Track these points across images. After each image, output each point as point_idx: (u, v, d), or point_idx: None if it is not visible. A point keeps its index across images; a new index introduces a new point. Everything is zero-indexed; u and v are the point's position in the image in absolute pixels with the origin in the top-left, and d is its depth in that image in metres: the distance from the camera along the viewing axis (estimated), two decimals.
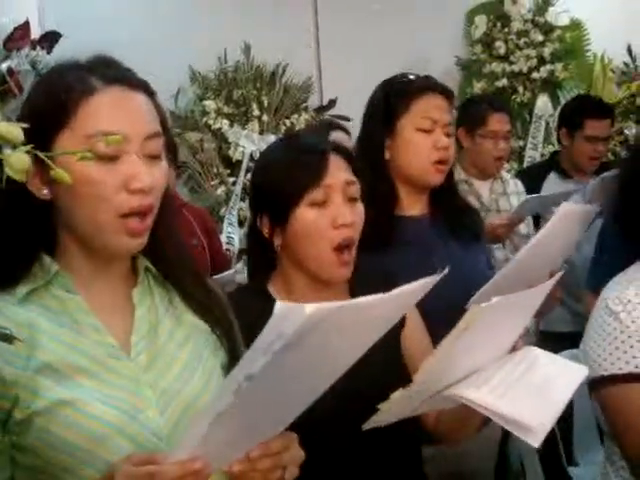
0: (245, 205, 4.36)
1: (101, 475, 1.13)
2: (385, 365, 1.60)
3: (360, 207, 1.72)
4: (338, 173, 1.68)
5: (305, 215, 1.66)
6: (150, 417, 1.22)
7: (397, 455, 1.70)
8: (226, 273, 3.03)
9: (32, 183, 1.19)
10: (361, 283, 1.73)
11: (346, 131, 3.52)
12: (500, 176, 3.71)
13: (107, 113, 1.20)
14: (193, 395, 1.28)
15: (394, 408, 1.32)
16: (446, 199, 2.26)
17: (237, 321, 1.50)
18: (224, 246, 3.84)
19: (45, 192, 1.21)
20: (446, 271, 1.10)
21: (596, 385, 1.75)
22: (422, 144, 2.16)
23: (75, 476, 1.15)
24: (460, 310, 1.28)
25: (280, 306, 0.94)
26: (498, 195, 3.62)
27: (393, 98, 2.19)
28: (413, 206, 2.23)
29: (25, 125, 0.93)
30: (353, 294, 1.76)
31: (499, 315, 1.32)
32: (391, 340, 1.65)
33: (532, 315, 1.48)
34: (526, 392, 1.33)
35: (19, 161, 0.90)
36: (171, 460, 1.05)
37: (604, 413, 1.78)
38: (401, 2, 5.00)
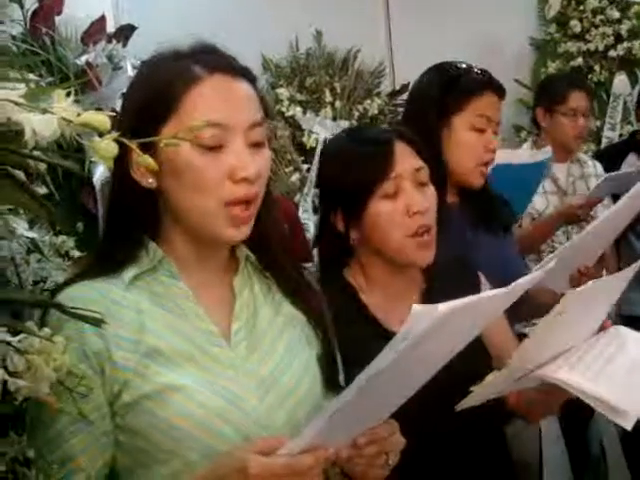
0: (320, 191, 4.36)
1: (211, 461, 1.15)
2: (472, 348, 1.61)
3: (431, 190, 1.72)
4: (405, 161, 1.68)
5: (379, 208, 1.67)
6: (251, 405, 1.23)
7: (484, 438, 1.71)
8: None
9: (137, 171, 1.21)
10: (435, 268, 1.75)
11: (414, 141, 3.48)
12: (578, 158, 3.65)
13: (211, 102, 1.20)
14: (291, 385, 1.29)
15: (486, 390, 1.33)
16: (477, 190, 2.21)
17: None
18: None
19: (150, 181, 1.22)
20: (551, 265, 1.12)
21: None
22: (475, 145, 2.13)
23: (178, 459, 1.18)
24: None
25: (415, 309, 0.97)
26: (575, 178, 3.56)
27: (451, 91, 2.14)
28: (448, 194, 2.17)
29: (111, 114, 0.95)
30: (428, 278, 1.78)
31: (589, 299, 1.34)
32: None
33: (616, 298, 1.48)
34: (618, 374, 1.33)
35: (107, 148, 0.92)
36: (293, 447, 1.09)
37: None
38: None
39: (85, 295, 1.20)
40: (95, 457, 1.19)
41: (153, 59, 1.29)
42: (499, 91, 2.18)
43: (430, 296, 1.73)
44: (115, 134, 0.93)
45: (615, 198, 3.59)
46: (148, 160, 0.98)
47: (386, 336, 1.11)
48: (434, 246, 1.70)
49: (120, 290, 1.23)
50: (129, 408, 1.18)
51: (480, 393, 1.34)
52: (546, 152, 2.83)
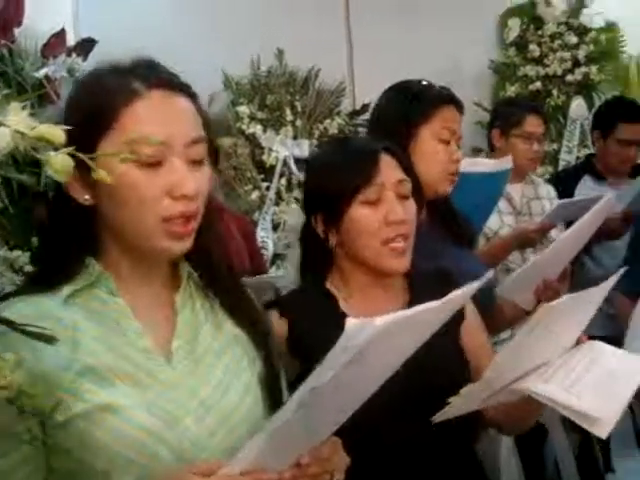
0: (279, 209, 4.37)
1: None
2: (448, 357, 1.67)
3: (412, 204, 1.76)
4: (390, 172, 1.73)
5: (358, 213, 1.71)
6: (188, 426, 1.21)
7: (454, 446, 1.71)
8: (265, 276, 3.04)
9: (73, 188, 1.20)
10: (418, 280, 1.79)
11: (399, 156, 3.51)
12: (532, 180, 3.71)
13: (149, 118, 1.19)
14: (231, 406, 1.27)
15: (463, 402, 1.34)
16: (442, 205, 2.28)
17: (302, 321, 1.53)
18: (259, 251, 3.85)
19: (87, 197, 1.21)
20: (490, 274, 1.13)
21: None
22: (442, 155, 2.18)
23: None
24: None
25: (350, 323, 0.96)
26: (530, 199, 3.61)
27: (417, 104, 2.19)
28: None
29: (67, 127, 0.94)
30: (412, 290, 1.80)
31: (566, 312, 1.36)
32: (452, 333, 1.73)
33: (594, 311, 1.50)
34: (592, 385, 1.36)
35: (62, 162, 0.91)
36: (233, 468, 1.07)
37: None
38: (434, 5, 4.99)
39: (20, 311, 1.17)
40: (27, 478, 1.16)
41: (94, 73, 1.28)
42: (459, 106, 2.25)
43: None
44: (70, 148, 0.92)
45: (568, 224, 3.66)
46: (104, 175, 0.97)
47: None
48: (409, 255, 1.73)
49: (56, 306, 1.21)
50: (62, 428, 1.16)
51: (458, 405, 1.34)
52: (507, 161, 2.86)
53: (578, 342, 1.47)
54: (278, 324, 1.68)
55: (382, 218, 1.70)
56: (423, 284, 1.78)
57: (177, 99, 1.23)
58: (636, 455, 2.12)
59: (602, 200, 2.09)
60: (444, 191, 2.22)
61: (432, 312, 1.06)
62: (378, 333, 0.95)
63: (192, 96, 1.27)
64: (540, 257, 2.05)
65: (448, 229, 2.28)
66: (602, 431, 1.29)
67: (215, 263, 1.35)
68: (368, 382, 1.11)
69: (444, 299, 1.05)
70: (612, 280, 1.46)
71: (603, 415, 1.29)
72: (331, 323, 1.67)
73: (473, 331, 1.81)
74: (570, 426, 2.55)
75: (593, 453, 2.49)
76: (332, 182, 1.73)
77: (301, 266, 1.87)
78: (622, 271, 1.55)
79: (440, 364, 1.54)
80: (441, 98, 2.22)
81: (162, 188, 1.18)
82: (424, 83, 2.27)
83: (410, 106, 2.19)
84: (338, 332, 1.66)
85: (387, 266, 1.73)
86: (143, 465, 1.15)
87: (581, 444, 2.95)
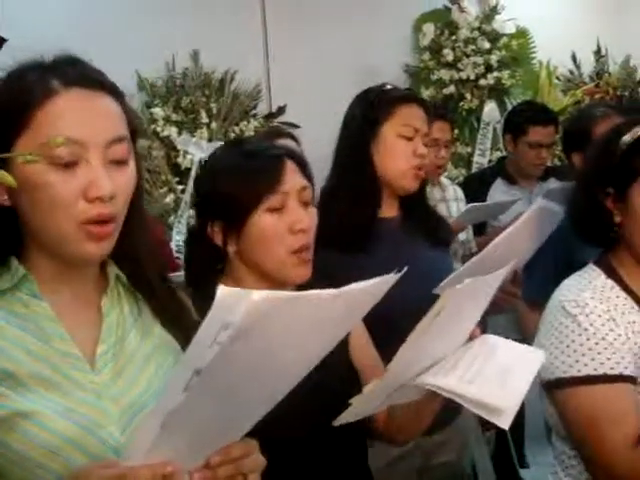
0: (194, 213, 4.31)
1: None
2: (339, 368, 1.61)
3: (314, 211, 1.73)
4: (293, 179, 1.68)
5: (263, 221, 1.66)
6: (111, 433, 1.17)
7: (346, 454, 1.71)
8: (175, 274, 3.00)
9: None
10: (311, 288, 1.73)
11: (294, 138, 3.52)
12: (439, 182, 3.77)
13: (66, 117, 1.15)
14: None
15: (365, 402, 1.32)
16: (417, 204, 2.33)
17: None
18: (174, 254, 3.80)
19: (5, 197, 1.17)
20: (404, 270, 1.10)
21: (553, 387, 1.76)
22: (403, 150, 2.22)
23: None
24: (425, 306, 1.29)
25: (222, 291, 0.89)
26: (437, 201, 3.66)
27: (377, 105, 2.24)
28: (388, 208, 2.28)
29: None
30: None
31: (466, 299, 1.35)
32: (340, 344, 1.66)
33: (486, 306, 1.51)
34: (492, 377, 1.36)
35: None
36: (131, 459, 1.02)
37: (560, 415, 1.79)
38: (349, 10, 5.03)
39: None
40: None
41: (13, 69, 1.23)
42: (424, 106, 2.30)
43: None
44: None
45: (476, 225, 3.74)
46: (6, 177, 0.94)
47: None
48: (311, 265, 1.70)
49: None
50: None
51: (360, 406, 1.33)
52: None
53: (472, 337, 1.47)
54: None
55: (287, 227, 1.66)
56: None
57: (98, 98, 1.19)
58: (548, 450, 2.16)
59: (535, 207, 2.13)
60: (411, 187, 2.25)
61: (330, 301, 1.00)
62: (259, 310, 0.88)
63: (117, 95, 1.23)
64: (471, 263, 2.07)
65: (423, 229, 2.31)
66: (504, 421, 1.30)
67: (145, 268, 1.31)
68: (273, 375, 1.05)
69: (343, 289, 0.99)
70: (505, 269, 1.47)
71: (504, 406, 1.30)
72: None
73: (361, 343, 1.79)
74: (483, 424, 2.59)
75: (508, 450, 2.52)
76: (234, 189, 1.66)
77: (187, 273, 1.81)
78: (515, 261, 1.58)
79: (327, 379, 1.44)
80: (401, 97, 2.26)
81: (77, 190, 1.15)
82: (387, 87, 2.32)
83: (372, 107, 2.24)
84: None
85: (292, 276, 1.69)
86: (59, 473, 1.11)
87: (496, 441, 2.99)
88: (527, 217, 2.10)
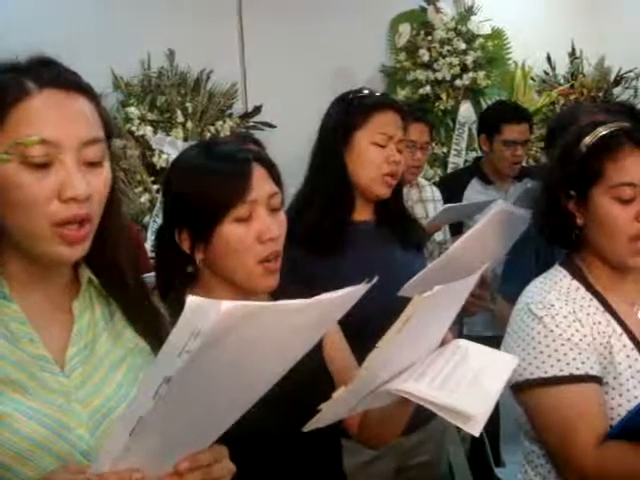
0: None
1: None
2: (312, 371, 1.58)
3: (283, 217, 1.68)
4: (262, 186, 1.63)
5: (230, 231, 1.61)
6: (80, 436, 1.16)
7: (320, 459, 1.70)
8: (148, 275, 2.98)
9: None
10: (284, 294, 1.71)
11: (259, 144, 3.49)
12: (417, 183, 3.78)
13: (40, 118, 1.14)
14: None
15: (335, 407, 1.31)
16: (392, 208, 2.32)
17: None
18: (148, 254, 3.78)
19: None
20: (375, 280, 1.10)
21: (520, 388, 1.77)
22: (375, 157, 2.22)
23: None
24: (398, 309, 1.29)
25: (192, 301, 0.89)
26: (414, 202, 3.67)
27: (352, 111, 2.24)
28: (362, 212, 2.28)
29: None
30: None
31: (436, 306, 1.34)
32: (314, 348, 1.65)
33: (459, 310, 1.51)
34: (462, 383, 1.36)
35: None
36: (99, 467, 1.01)
37: (528, 415, 1.80)
38: (326, 10, 5.03)
39: None
40: None
41: None
42: (400, 111, 2.29)
43: None
44: None
45: (453, 225, 3.75)
46: None
47: None
48: (278, 274, 1.66)
49: None
50: None
51: (330, 411, 1.31)
52: None
53: (444, 342, 1.46)
54: None
55: (256, 235, 1.61)
56: (288, 297, 1.72)
57: (72, 99, 1.18)
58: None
59: (493, 210, 2.13)
60: (383, 194, 2.25)
61: (301, 310, 1.00)
62: (228, 319, 0.89)
63: (92, 97, 1.22)
64: (433, 265, 2.07)
65: (395, 232, 2.31)
66: (475, 428, 1.29)
67: (120, 271, 1.29)
68: (244, 384, 1.05)
69: (314, 298, 0.99)
70: (478, 274, 1.47)
71: (474, 412, 1.30)
72: None
73: (335, 345, 1.78)
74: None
75: (484, 449, 2.53)
76: (201, 197, 1.61)
77: (158, 281, 1.75)
78: (485, 266, 1.58)
79: (304, 378, 1.42)
80: (377, 104, 2.25)
81: (50, 190, 1.13)
82: (365, 91, 2.31)
83: (346, 114, 2.24)
84: None
85: (260, 286, 1.65)
86: (29, 476, 1.10)
87: (472, 441, 3.00)
88: (487, 220, 2.10)
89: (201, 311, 0.89)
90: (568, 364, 1.72)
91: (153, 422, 0.99)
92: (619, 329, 1.79)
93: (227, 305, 0.88)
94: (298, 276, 1.76)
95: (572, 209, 1.82)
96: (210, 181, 1.62)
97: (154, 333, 1.31)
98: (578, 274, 1.85)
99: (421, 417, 1.75)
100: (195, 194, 1.63)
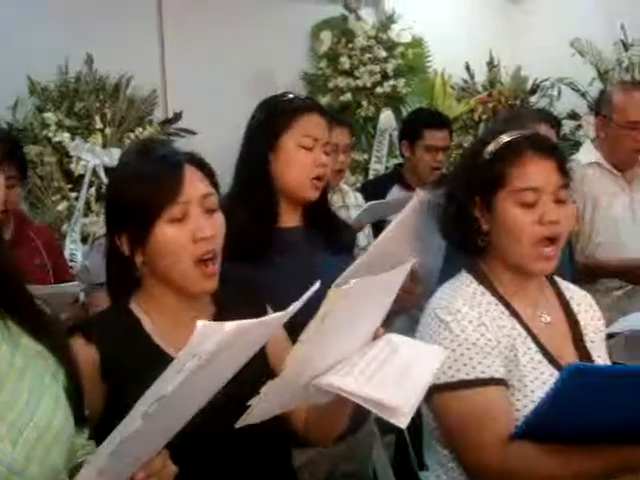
0: (88, 221, 4.23)
1: None
2: (253, 369, 1.59)
3: (220, 217, 1.70)
4: (195, 186, 1.65)
5: (164, 232, 1.62)
6: (2, 450, 1.14)
7: (268, 458, 1.69)
8: (69, 284, 2.93)
9: None
10: (226, 296, 1.74)
11: (204, 166, 3.48)
12: (340, 188, 3.82)
13: None
14: (44, 423, 1.22)
15: (265, 403, 1.31)
16: (320, 212, 2.33)
17: (111, 345, 1.55)
18: (68, 263, 3.71)
19: None
20: (316, 286, 1.14)
21: (429, 393, 1.78)
22: (303, 161, 2.23)
23: None
24: None
25: (201, 327, 0.96)
26: (337, 208, 3.69)
27: (276, 115, 2.24)
28: (289, 218, 2.29)
29: None
30: (218, 306, 1.76)
31: (360, 299, 1.35)
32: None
33: (390, 304, 1.52)
34: (390, 375, 1.38)
35: None
36: None
37: (437, 419, 1.83)
38: (247, 16, 5.02)
39: None
40: None
41: None
42: (323, 113, 2.30)
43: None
44: None
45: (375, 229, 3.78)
46: None
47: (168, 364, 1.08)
48: (217, 276, 1.68)
49: None
50: None
51: (261, 407, 1.31)
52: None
53: (375, 336, 1.49)
54: (86, 350, 1.58)
55: (189, 236, 1.63)
56: (227, 298, 1.74)
57: None
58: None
59: (412, 202, 2.15)
60: (310, 196, 2.25)
61: (277, 321, 1.10)
62: (227, 339, 0.95)
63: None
64: (356, 264, 2.08)
65: (325, 236, 2.31)
66: (401, 421, 1.31)
67: (8, 283, 1.27)
68: (208, 387, 1.11)
69: (285, 311, 1.09)
70: (406, 267, 1.49)
71: (401, 405, 1.32)
72: (139, 344, 1.65)
73: (280, 347, 1.75)
74: (382, 429, 2.60)
75: (408, 455, 2.54)
76: (135, 199, 1.63)
77: (107, 286, 1.77)
78: (415, 260, 1.64)
79: (245, 377, 1.49)
80: (302, 107, 2.26)
81: None
82: (289, 95, 2.31)
83: (271, 118, 2.24)
84: (146, 352, 1.63)
85: (197, 287, 1.67)
86: None
87: (396, 446, 3.01)
88: (405, 214, 2.11)
89: (208, 334, 0.96)
90: (474, 368, 1.75)
91: (133, 441, 1.04)
92: (524, 332, 1.84)
93: (230, 326, 0.96)
94: (237, 286, 1.80)
95: (477, 215, 1.86)
96: (142, 184, 1.63)
97: (46, 336, 1.32)
98: (483, 279, 1.89)
99: (348, 427, 1.76)
100: (129, 197, 1.64)
